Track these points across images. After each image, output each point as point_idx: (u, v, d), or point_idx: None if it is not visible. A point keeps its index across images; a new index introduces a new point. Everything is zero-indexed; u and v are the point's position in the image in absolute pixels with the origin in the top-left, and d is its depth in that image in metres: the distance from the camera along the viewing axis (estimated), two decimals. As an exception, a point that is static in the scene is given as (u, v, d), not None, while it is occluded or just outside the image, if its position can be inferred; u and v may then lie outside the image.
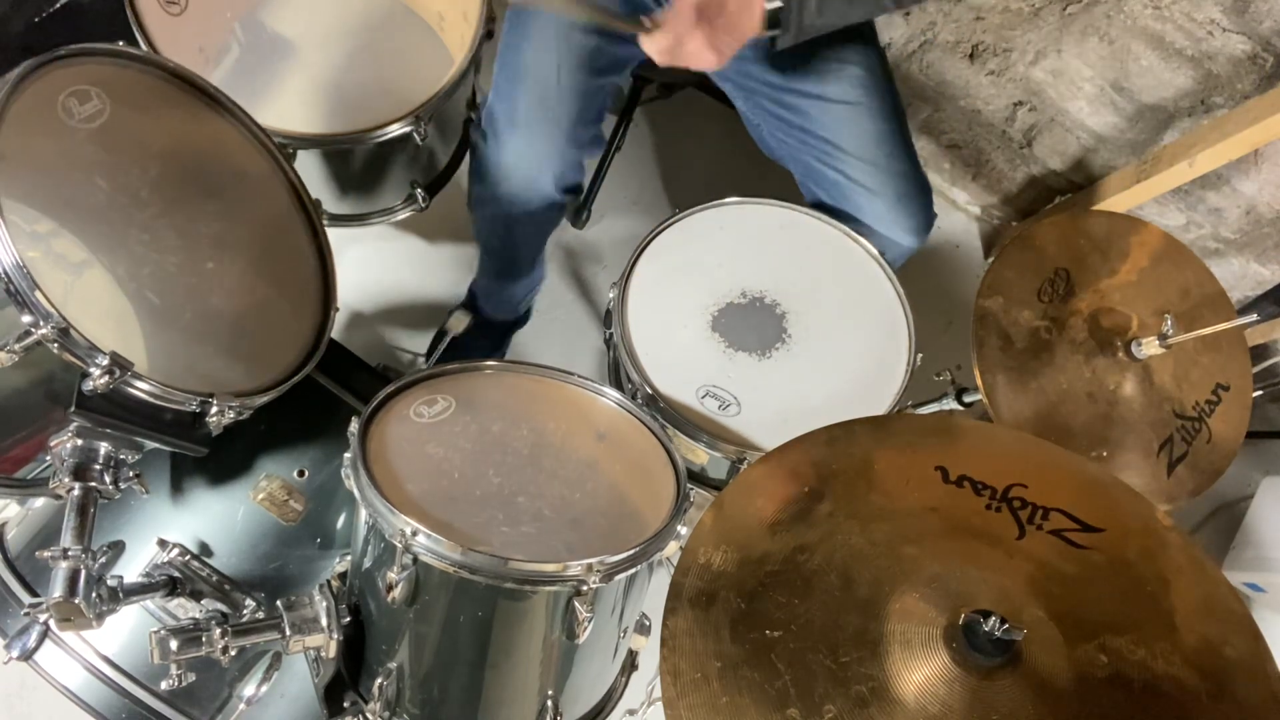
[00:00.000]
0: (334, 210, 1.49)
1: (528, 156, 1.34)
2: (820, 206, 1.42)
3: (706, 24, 1.07)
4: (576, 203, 1.70)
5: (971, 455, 0.90)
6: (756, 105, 1.40)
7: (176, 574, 0.99)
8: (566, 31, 1.29)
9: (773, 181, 1.49)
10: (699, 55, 1.10)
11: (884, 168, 1.33)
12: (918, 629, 0.74)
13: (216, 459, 1.04)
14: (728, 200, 1.35)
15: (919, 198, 1.36)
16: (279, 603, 0.96)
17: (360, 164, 1.43)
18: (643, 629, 1.16)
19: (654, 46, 1.11)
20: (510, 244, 1.58)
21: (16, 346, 0.82)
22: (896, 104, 1.37)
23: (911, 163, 1.37)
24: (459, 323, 1.67)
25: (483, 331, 1.77)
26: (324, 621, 0.95)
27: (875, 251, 1.33)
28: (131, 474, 0.96)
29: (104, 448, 0.92)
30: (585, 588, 0.88)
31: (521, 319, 1.84)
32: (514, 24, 1.32)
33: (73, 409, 0.86)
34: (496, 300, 1.75)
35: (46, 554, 0.85)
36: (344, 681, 1.01)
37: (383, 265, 1.93)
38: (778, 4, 1.09)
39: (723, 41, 1.10)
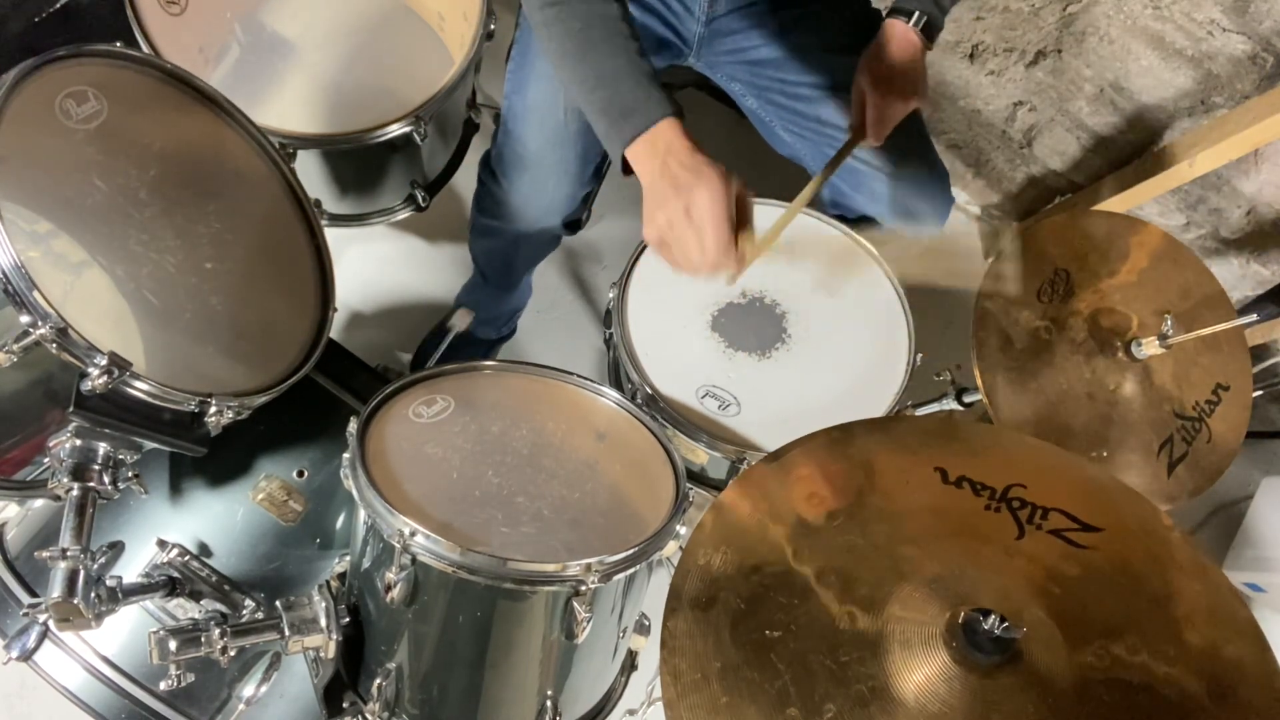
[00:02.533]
0: (334, 210, 1.49)
1: (536, 198, 1.35)
2: (834, 203, 1.42)
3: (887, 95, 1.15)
4: (576, 232, 1.73)
5: (971, 456, 0.90)
6: (769, 101, 1.40)
7: (176, 574, 0.99)
8: None
9: (773, 181, 1.48)
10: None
11: (903, 149, 1.32)
12: (917, 628, 0.74)
13: (215, 459, 1.04)
14: (727, 200, 1.34)
15: (937, 180, 1.36)
16: (278, 603, 0.96)
17: (360, 164, 1.43)
18: (642, 629, 1.16)
19: None
20: (507, 268, 1.63)
21: (15, 347, 0.82)
22: None
23: (927, 146, 1.36)
24: (464, 320, 1.68)
25: (469, 345, 1.78)
26: (323, 622, 0.95)
27: (875, 251, 1.33)
28: (130, 474, 0.96)
29: (103, 448, 0.92)
30: (584, 588, 0.88)
31: (507, 335, 1.86)
32: (519, 64, 1.32)
33: (71, 409, 0.86)
34: (483, 317, 1.76)
35: (45, 554, 0.85)
36: (343, 682, 1.01)
37: (382, 265, 1.93)
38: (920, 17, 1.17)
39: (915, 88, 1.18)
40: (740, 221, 0.93)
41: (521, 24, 1.34)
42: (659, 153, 0.94)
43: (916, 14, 1.17)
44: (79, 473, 0.90)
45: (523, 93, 1.30)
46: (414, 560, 0.88)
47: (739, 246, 0.93)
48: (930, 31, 1.20)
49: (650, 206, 0.95)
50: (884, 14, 1.25)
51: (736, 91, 1.43)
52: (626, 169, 0.99)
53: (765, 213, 1.35)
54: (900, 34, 1.18)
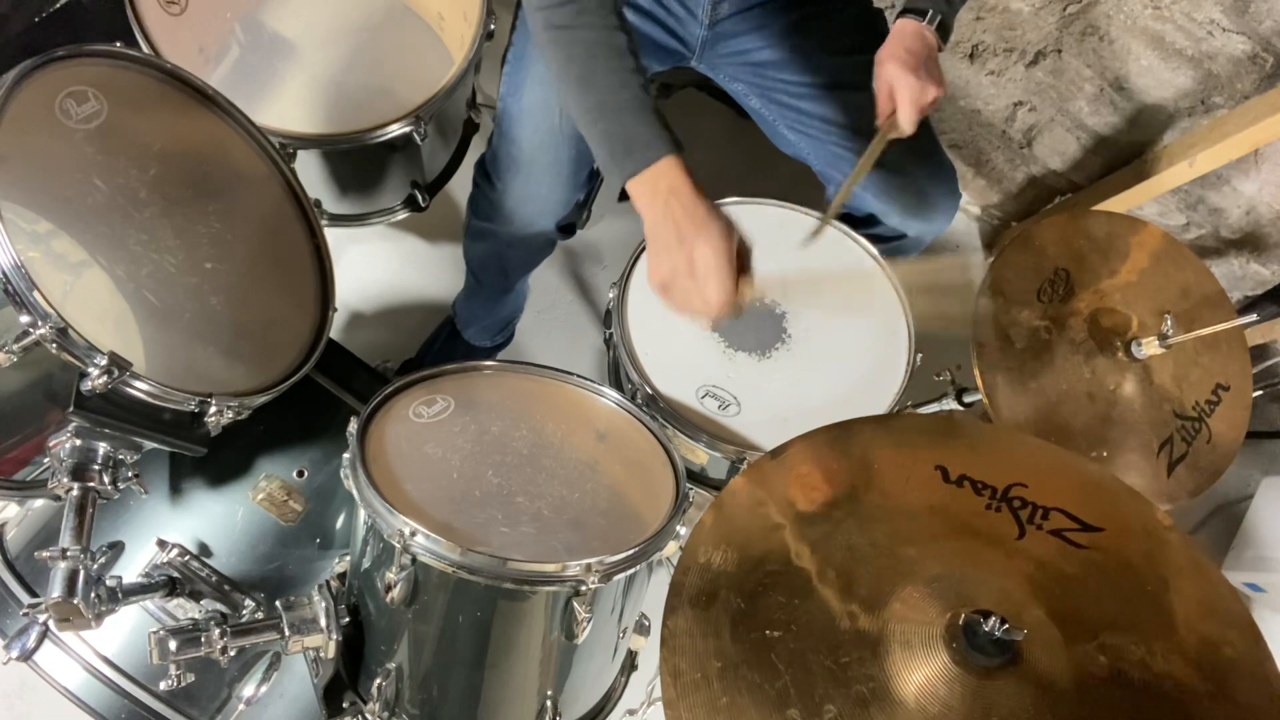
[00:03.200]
0: (334, 210, 1.49)
1: (530, 201, 1.35)
2: (842, 202, 1.42)
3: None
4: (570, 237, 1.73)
5: (971, 455, 0.90)
6: (772, 101, 1.40)
7: (176, 574, 0.99)
8: None
9: (773, 181, 1.49)
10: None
11: (908, 147, 1.32)
12: (918, 629, 0.74)
13: (215, 459, 1.04)
14: (728, 200, 1.35)
15: (945, 178, 1.36)
16: (278, 603, 0.96)
17: (360, 164, 1.43)
18: (642, 629, 1.16)
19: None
20: (501, 273, 1.62)
21: (15, 347, 0.82)
22: None
23: (935, 144, 1.36)
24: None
25: (465, 354, 1.78)
26: (323, 622, 0.95)
27: (875, 251, 1.33)
28: (130, 474, 0.96)
29: (102, 448, 0.92)
30: (584, 588, 0.88)
31: (503, 343, 1.86)
32: (515, 67, 1.32)
33: (71, 409, 0.86)
34: (480, 325, 1.76)
35: (45, 554, 0.85)
36: (343, 682, 1.01)
37: (382, 265, 1.93)
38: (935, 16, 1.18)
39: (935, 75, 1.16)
40: (740, 269, 0.95)
41: (518, 26, 1.33)
42: (661, 193, 0.95)
43: (930, 13, 1.18)
44: (79, 473, 0.90)
45: (518, 95, 1.29)
46: (414, 560, 0.88)
47: (739, 293, 0.95)
48: (943, 32, 1.20)
49: (654, 252, 0.97)
50: (896, 8, 1.25)
51: (739, 92, 1.43)
52: (623, 194, 1.00)
53: (756, 211, 1.35)
54: (915, 30, 1.18)
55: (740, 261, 0.95)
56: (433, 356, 1.80)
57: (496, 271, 1.62)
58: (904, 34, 1.19)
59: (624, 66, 0.97)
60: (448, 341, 1.81)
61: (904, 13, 1.22)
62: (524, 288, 1.77)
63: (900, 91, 1.14)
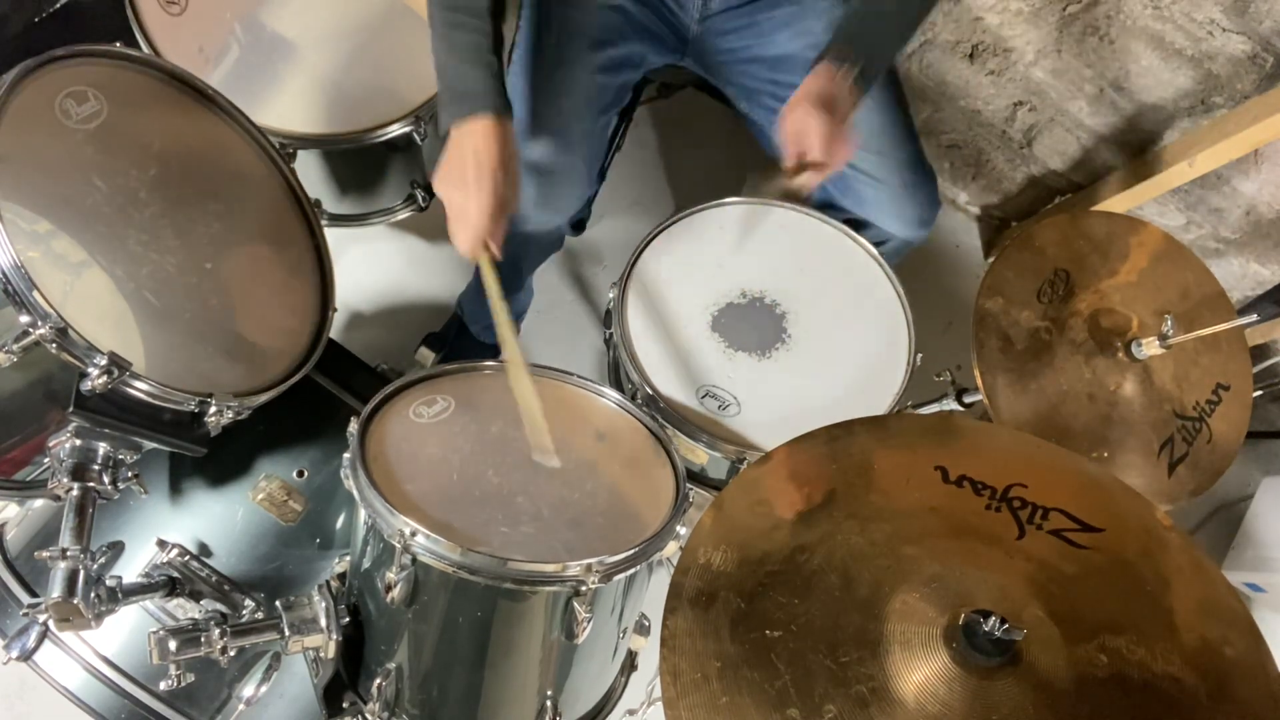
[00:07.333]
0: (334, 210, 1.49)
1: (549, 203, 1.34)
2: (825, 205, 1.42)
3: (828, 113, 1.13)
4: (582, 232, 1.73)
5: (971, 455, 0.90)
6: (760, 104, 1.40)
7: (176, 574, 0.99)
8: (573, 76, 1.30)
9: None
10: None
11: (889, 156, 1.32)
12: (918, 629, 0.74)
13: (215, 459, 1.04)
14: (728, 200, 1.35)
15: (924, 186, 1.36)
16: (278, 603, 0.96)
17: (360, 164, 1.44)
18: (642, 629, 1.16)
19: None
20: (514, 270, 1.62)
21: (15, 347, 0.82)
22: (900, 95, 1.37)
23: (916, 152, 1.36)
24: (424, 359, 1.72)
25: (474, 350, 1.78)
26: (323, 622, 0.95)
27: (875, 251, 1.33)
28: (130, 474, 0.96)
29: (102, 448, 0.92)
30: (584, 588, 0.88)
31: None
32: (520, 72, 1.32)
33: (71, 409, 0.86)
34: (486, 321, 1.76)
35: (45, 554, 0.85)
36: (343, 682, 1.01)
37: (382, 265, 1.93)
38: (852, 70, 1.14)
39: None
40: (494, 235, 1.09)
41: (521, 27, 1.33)
42: (469, 141, 1.06)
43: (847, 66, 1.14)
44: (79, 473, 0.90)
45: (525, 100, 1.29)
46: (414, 560, 0.88)
47: (482, 248, 1.09)
48: (863, 82, 1.16)
49: (446, 170, 1.08)
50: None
51: (732, 94, 1.43)
52: None
53: (756, 211, 1.35)
54: (826, 86, 1.15)
55: (496, 228, 1.08)
56: (442, 354, 1.80)
57: (509, 270, 1.61)
58: (811, 90, 1.14)
59: (480, 31, 1.07)
60: (456, 339, 1.81)
61: (826, 54, 1.16)
62: (530, 283, 1.77)
63: (817, 137, 1.13)
